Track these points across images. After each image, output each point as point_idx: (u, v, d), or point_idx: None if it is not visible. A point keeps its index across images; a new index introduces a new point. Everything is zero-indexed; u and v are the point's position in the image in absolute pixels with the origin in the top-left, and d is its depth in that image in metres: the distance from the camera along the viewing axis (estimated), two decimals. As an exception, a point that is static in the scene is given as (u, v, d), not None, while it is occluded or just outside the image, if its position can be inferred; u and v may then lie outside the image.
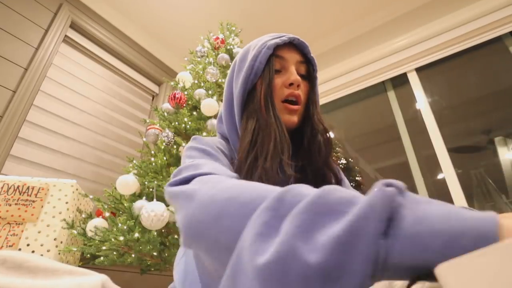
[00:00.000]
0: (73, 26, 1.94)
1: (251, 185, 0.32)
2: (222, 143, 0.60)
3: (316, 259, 0.21)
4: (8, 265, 0.26)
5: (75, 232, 1.16)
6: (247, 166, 0.52)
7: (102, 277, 0.30)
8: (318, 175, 0.58)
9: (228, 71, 0.69)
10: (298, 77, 0.59)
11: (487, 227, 0.19)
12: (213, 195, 0.32)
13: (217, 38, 1.75)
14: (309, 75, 0.64)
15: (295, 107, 0.59)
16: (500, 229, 0.18)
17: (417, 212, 0.21)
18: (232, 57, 1.69)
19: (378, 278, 0.22)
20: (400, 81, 2.03)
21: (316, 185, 0.55)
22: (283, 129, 0.55)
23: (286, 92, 0.59)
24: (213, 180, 0.35)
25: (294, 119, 0.59)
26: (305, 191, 0.27)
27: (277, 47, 0.60)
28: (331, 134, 0.63)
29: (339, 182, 0.60)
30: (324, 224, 0.23)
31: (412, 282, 0.26)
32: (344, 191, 0.26)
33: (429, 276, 0.23)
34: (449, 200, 1.57)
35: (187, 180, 0.39)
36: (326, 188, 0.26)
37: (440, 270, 0.19)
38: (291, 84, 0.59)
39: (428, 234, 0.20)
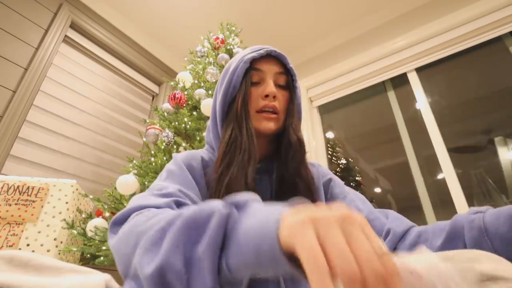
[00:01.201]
0: (73, 26, 1.93)
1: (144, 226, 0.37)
2: (196, 158, 0.61)
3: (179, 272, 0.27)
4: (15, 263, 0.26)
5: (75, 232, 1.15)
6: (218, 175, 0.55)
7: (106, 276, 0.30)
8: (291, 183, 0.59)
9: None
10: (273, 89, 0.61)
11: (271, 231, 0.25)
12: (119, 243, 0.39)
13: (217, 38, 1.75)
14: (289, 85, 0.66)
15: (273, 115, 0.62)
16: (280, 229, 0.24)
17: (238, 235, 0.27)
18: (232, 57, 1.69)
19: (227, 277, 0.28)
20: (400, 81, 2.03)
21: (291, 192, 0.58)
22: (253, 140, 0.58)
23: (262, 103, 0.62)
24: (131, 223, 0.40)
25: (271, 125, 0.61)
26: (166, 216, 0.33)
27: (255, 60, 0.63)
28: (305, 145, 0.67)
29: (311, 190, 0.60)
30: (193, 244, 0.29)
31: None
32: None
33: None
34: (449, 200, 1.58)
35: (124, 218, 0.43)
36: (184, 215, 0.31)
37: None
38: (267, 96, 0.61)
39: (245, 252, 0.26)
